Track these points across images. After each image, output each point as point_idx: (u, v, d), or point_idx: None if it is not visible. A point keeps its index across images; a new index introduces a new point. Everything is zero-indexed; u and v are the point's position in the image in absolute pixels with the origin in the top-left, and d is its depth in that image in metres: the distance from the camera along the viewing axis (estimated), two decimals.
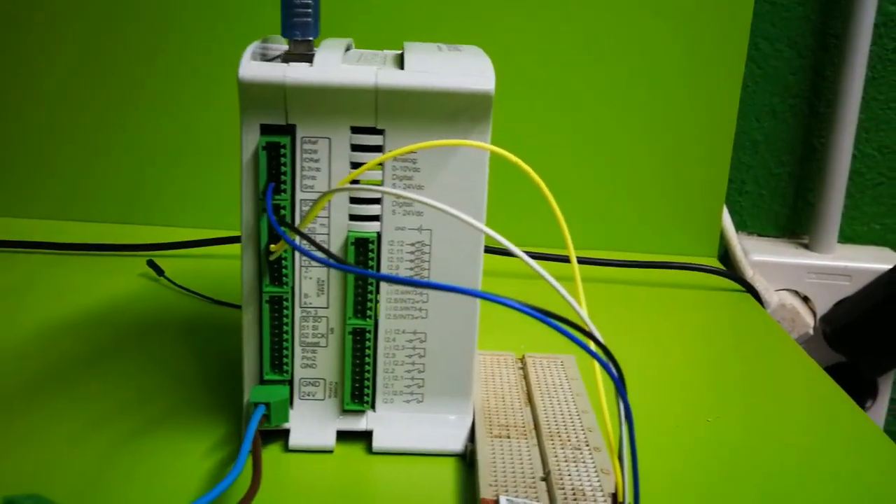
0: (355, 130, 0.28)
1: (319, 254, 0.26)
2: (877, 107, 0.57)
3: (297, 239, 0.28)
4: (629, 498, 0.23)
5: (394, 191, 0.27)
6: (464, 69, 0.28)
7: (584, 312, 0.22)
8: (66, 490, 0.27)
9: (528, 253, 0.50)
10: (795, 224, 0.60)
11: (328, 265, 0.24)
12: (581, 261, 0.50)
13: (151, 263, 0.46)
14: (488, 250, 0.50)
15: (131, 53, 0.52)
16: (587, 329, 0.22)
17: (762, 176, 0.59)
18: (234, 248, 0.47)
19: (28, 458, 0.29)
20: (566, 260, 0.49)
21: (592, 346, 0.22)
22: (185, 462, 0.29)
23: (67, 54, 0.53)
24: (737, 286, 0.51)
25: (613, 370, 0.21)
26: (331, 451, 0.30)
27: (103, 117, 0.54)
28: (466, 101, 0.28)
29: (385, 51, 0.34)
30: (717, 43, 0.53)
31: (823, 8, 0.56)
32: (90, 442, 0.30)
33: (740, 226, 0.60)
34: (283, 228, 0.26)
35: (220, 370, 0.36)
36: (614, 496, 0.25)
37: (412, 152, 0.29)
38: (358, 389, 0.31)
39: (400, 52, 0.33)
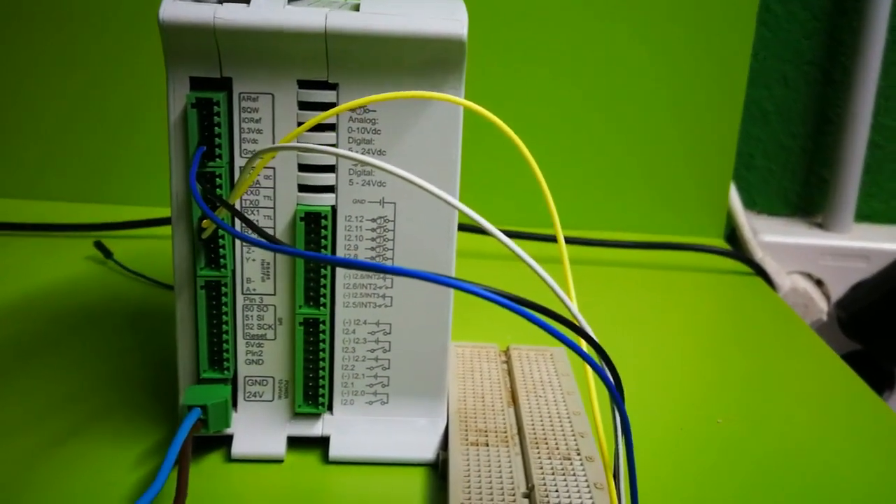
0: (303, 85, 0.24)
1: (253, 234, 0.22)
2: None
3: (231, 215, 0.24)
4: None
5: (350, 153, 0.22)
6: (431, 11, 0.24)
7: (573, 305, 0.18)
8: None
9: (515, 233, 0.46)
10: (808, 202, 0.56)
11: (261, 246, 0.19)
12: (576, 241, 0.46)
13: (99, 245, 0.42)
14: (466, 228, 0.46)
15: (74, 19, 0.48)
16: (577, 324, 0.18)
17: (772, 149, 0.55)
18: None
19: None
20: (567, 242, 0.45)
21: (584, 345, 0.18)
22: (110, 473, 0.25)
23: (9, 30, 0.48)
24: (746, 268, 0.47)
25: (608, 375, 0.17)
26: (281, 461, 0.26)
27: (46, 88, 0.49)
28: (434, 48, 0.23)
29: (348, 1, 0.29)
30: (724, 4, 0.48)
31: None
32: (3, 448, 0.26)
33: (748, 204, 0.55)
34: (212, 202, 0.22)
35: (164, 364, 0.32)
36: None
37: (372, 110, 0.24)
38: (312, 389, 0.26)
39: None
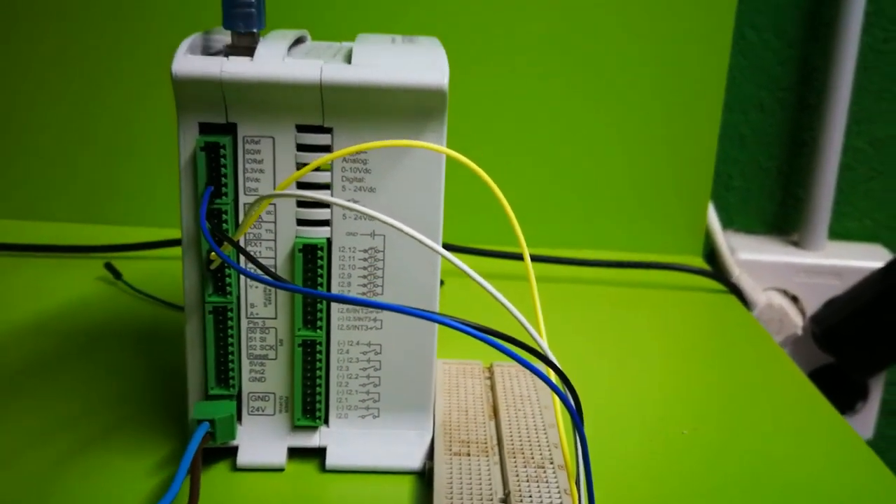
0: (301, 129, 0.27)
1: (259, 271, 0.24)
2: (868, 98, 0.56)
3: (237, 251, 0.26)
4: None
5: (339, 201, 0.25)
6: (415, 63, 0.26)
7: (540, 338, 0.20)
8: None
9: (501, 253, 0.49)
10: (784, 221, 0.58)
11: (261, 280, 0.22)
12: (559, 261, 0.49)
13: (109, 266, 0.44)
14: (453, 249, 0.48)
15: (86, 46, 0.50)
16: (543, 353, 0.20)
17: (750, 171, 0.57)
18: None
19: None
20: (547, 260, 0.48)
21: (552, 374, 0.20)
22: (126, 482, 0.28)
23: (18, 49, 0.51)
24: (721, 287, 0.49)
25: (570, 399, 0.20)
26: (282, 470, 0.29)
27: (59, 113, 0.51)
28: (418, 97, 0.26)
29: (342, 43, 0.32)
30: (699, 32, 0.51)
31: None
32: (24, 460, 0.29)
33: (727, 222, 0.58)
34: (220, 240, 0.24)
35: (172, 381, 0.34)
36: None
37: (362, 152, 0.27)
38: (310, 404, 0.29)
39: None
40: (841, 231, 0.58)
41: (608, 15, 0.50)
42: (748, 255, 0.55)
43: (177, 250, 0.47)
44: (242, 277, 0.28)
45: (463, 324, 0.19)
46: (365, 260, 0.28)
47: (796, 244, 0.57)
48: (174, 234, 0.48)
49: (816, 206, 0.55)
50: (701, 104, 0.52)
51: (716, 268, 0.54)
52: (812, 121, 0.56)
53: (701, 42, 0.51)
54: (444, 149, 0.25)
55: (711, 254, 0.56)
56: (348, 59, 0.27)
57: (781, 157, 0.57)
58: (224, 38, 0.30)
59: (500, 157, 0.52)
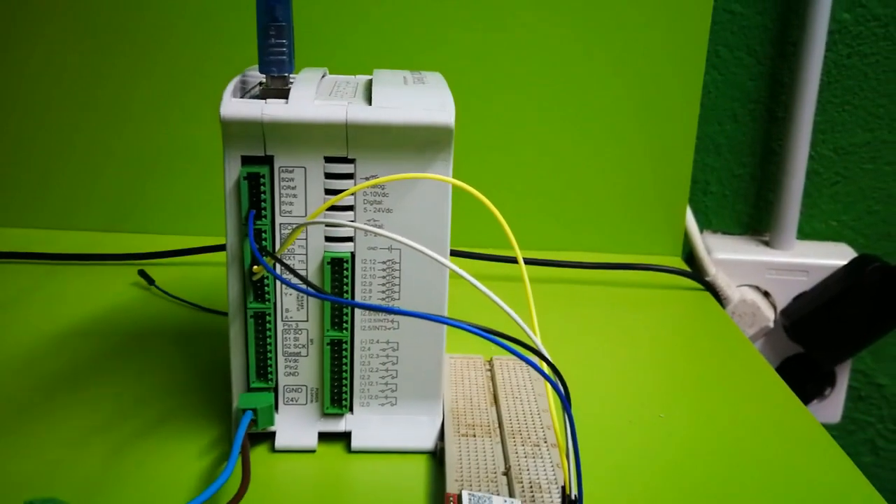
0: (328, 160, 0.31)
1: (297, 281, 0.29)
2: (832, 110, 0.60)
3: (277, 266, 0.31)
4: (574, 490, 0.26)
5: (360, 225, 0.30)
6: (426, 103, 0.31)
7: (534, 335, 0.25)
8: (69, 492, 0.30)
9: (495, 256, 0.53)
10: (757, 222, 0.63)
11: (302, 291, 0.26)
12: (548, 263, 0.53)
13: (142, 273, 0.48)
14: (462, 254, 0.53)
15: (123, 62, 0.54)
16: (536, 348, 0.25)
17: (725, 177, 0.62)
18: (224, 256, 0.48)
19: (30, 463, 0.32)
20: (539, 263, 0.52)
21: (545, 366, 0.25)
22: (180, 463, 0.32)
23: (59, 64, 0.54)
24: (698, 285, 0.54)
25: (560, 387, 0.24)
26: (313, 451, 0.33)
27: (94, 126, 0.55)
28: (429, 133, 0.31)
29: (357, 77, 0.37)
30: (677, 50, 0.55)
31: (781, 17, 0.59)
32: (90, 446, 0.33)
33: (706, 224, 0.63)
34: (264, 257, 0.29)
35: (210, 376, 0.38)
36: (563, 488, 0.28)
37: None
38: (337, 394, 0.33)
39: (370, 77, 0.35)
40: (808, 231, 0.63)
41: (592, 35, 0.54)
42: (724, 254, 0.60)
43: (205, 256, 0.52)
44: (278, 286, 0.32)
45: (469, 325, 0.24)
46: (384, 270, 0.32)
47: (768, 244, 0.61)
48: (201, 241, 0.52)
49: (786, 209, 0.60)
50: (679, 116, 0.56)
51: (694, 267, 0.59)
52: (781, 131, 0.60)
53: (678, 60, 0.55)
54: (450, 179, 0.30)
55: (690, 254, 0.60)
56: (367, 97, 0.32)
57: (754, 165, 0.62)
58: (256, 74, 0.34)
59: (492, 165, 0.56)
